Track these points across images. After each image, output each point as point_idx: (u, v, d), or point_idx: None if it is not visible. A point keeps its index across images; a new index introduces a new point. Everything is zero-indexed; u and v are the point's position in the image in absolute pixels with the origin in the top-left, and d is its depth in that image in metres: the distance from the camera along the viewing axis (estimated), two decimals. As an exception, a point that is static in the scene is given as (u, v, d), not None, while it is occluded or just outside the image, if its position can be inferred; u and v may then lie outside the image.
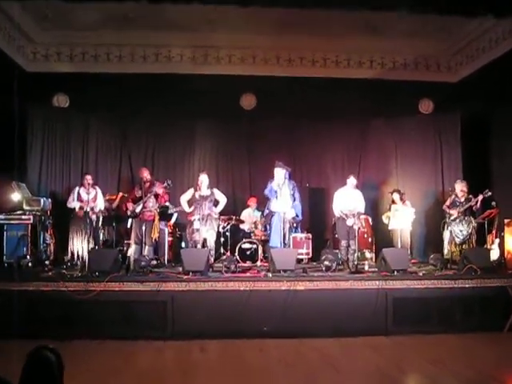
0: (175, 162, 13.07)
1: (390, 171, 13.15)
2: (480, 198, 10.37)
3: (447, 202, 10.84)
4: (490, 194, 10.32)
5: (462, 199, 10.61)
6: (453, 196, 10.78)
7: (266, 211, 10.44)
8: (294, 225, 10.61)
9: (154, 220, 10.03)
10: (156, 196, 10.15)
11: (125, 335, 7.83)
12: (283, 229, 9.91)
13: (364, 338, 7.97)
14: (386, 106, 12.59)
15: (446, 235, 10.73)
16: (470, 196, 10.54)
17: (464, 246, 10.39)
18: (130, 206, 10.05)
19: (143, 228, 9.84)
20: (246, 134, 13.13)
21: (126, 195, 10.95)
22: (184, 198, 10.41)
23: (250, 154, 13.22)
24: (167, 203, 10.77)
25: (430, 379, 6.40)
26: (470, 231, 10.48)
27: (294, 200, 10.27)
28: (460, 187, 10.72)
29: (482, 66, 11.77)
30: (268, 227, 10.71)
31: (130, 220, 10.46)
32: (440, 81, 12.76)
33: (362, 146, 13.32)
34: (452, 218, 10.55)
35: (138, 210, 9.97)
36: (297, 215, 10.33)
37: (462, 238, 10.45)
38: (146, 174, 10.28)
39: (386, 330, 8.27)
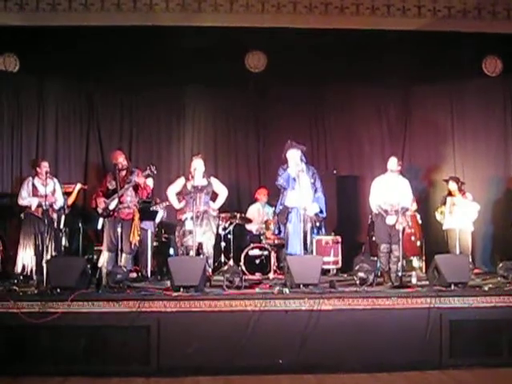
0: (160, 143, 13.14)
1: (444, 152, 13.14)
2: None
3: None
4: None
5: None
6: None
7: (280, 207, 10.28)
8: (317, 224, 10.53)
9: (133, 219, 10.04)
10: (135, 188, 10.15)
11: (95, 371, 7.81)
12: (303, 230, 9.85)
13: (410, 374, 7.90)
14: (439, 67, 12.57)
15: None
16: None
17: None
18: (102, 201, 10.04)
19: (119, 230, 9.84)
20: (253, 104, 13.16)
21: (85, 187, 10.97)
22: (172, 190, 10.41)
23: (260, 129, 13.27)
24: (150, 197, 10.79)
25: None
26: None
27: (316, 191, 10.16)
28: None
29: None
30: (282, 228, 10.63)
31: (100, 220, 10.48)
32: (510, 33, 12.68)
33: (406, 120, 13.35)
34: None
35: (111, 206, 9.96)
36: (321, 211, 10.19)
37: None
38: (121, 159, 10.25)
39: (440, 362, 8.20)
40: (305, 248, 9.75)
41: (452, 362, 8.18)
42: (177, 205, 10.37)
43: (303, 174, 9.92)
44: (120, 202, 9.88)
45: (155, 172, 10.28)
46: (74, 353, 7.95)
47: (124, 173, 10.16)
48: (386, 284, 9.61)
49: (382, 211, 10.05)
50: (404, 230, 10.06)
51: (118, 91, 12.98)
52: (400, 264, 9.75)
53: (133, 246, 10.10)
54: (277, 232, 11.15)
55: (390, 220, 9.91)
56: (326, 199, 10.15)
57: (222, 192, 10.47)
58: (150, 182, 10.63)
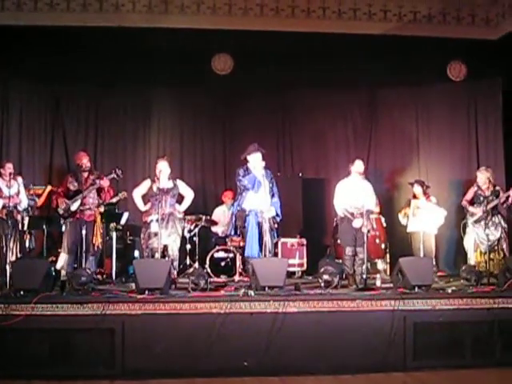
0: (125, 145, 13.11)
1: (409, 156, 13.26)
2: (511, 192, 10.50)
3: (467, 196, 10.93)
4: None
5: (488, 193, 10.71)
6: (475, 188, 10.87)
7: (238, 209, 10.27)
8: (275, 226, 10.46)
9: (95, 221, 9.99)
10: (98, 190, 10.10)
11: (59, 374, 7.75)
12: (261, 232, 9.84)
13: (375, 376, 7.95)
14: (405, 71, 12.66)
15: (470, 241, 10.81)
16: (498, 188, 10.63)
17: (492, 255, 10.48)
18: (63, 201, 9.96)
19: (83, 232, 9.78)
20: (219, 106, 13.16)
21: (55, 188, 10.91)
22: (138, 193, 10.36)
23: (226, 132, 13.30)
24: (114, 200, 10.78)
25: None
26: (499, 235, 10.58)
27: (273, 195, 10.19)
28: (484, 177, 10.81)
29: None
30: (239, 230, 10.59)
31: (62, 221, 10.39)
32: (475, 38, 12.78)
33: (372, 124, 13.44)
34: (475, 218, 10.65)
35: (74, 207, 9.89)
36: (277, 214, 10.23)
37: (488, 244, 10.48)
38: (85, 161, 10.22)
39: (404, 364, 8.26)
40: (264, 251, 9.74)
41: (416, 364, 8.24)
42: (142, 207, 10.32)
43: (263, 178, 9.96)
44: (82, 204, 9.85)
45: (121, 176, 10.25)
46: (39, 356, 7.88)
47: (86, 174, 10.13)
48: (351, 287, 9.65)
49: (348, 214, 10.09)
50: (369, 232, 10.14)
51: (84, 93, 12.91)
52: (365, 266, 9.82)
53: (96, 248, 10.07)
54: (232, 233, 11.09)
55: (357, 223, 9.95)
56: (281, 203, 10.19)
57: (188, 194, 10.45)
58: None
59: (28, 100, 12.68)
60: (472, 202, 10.82)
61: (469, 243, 10.85)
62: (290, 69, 12.51)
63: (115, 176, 10.08)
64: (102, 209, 10.52)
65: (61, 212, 9.98)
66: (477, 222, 10.63)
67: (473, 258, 10.79)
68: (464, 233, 10.93)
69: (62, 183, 10.45)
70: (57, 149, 12.74)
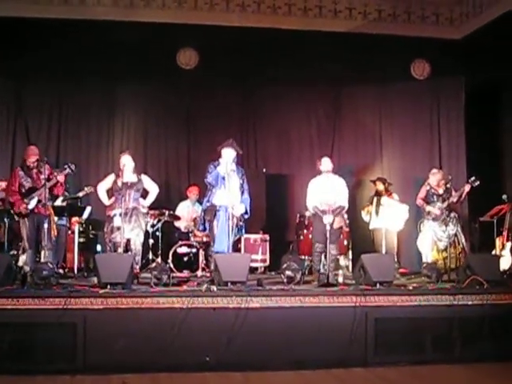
0: (89, 139, 13.05)
1: (372, 154, 13.35)
2: (466, 188, 10.61)
3: (420, 194, 11.01)
4: (478, 183, 10.55)
5: (441, 191, 10.81)
6: (427, 187, 10.97)
7: (207, 204, 10.22)
8: (241, 223, 10.47)
9: (50, 215, 9.84)
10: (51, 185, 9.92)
11: (19, 369, 7.66)
12: (229, 228, 9.83)
13: (335, 372, 7.96)
14: (369, 69, 12.73)
15: (425, 239, 10.90)
16: (449, 185, 10.73)
17: (449, 252, 10.58)
18: (22, 204, 9.72)
19: (45, 226, 9.67)
20: (184, 101, 13.15)
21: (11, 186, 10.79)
22: (102, 187, 10.29)
23: (190, 128, 13.29)
24: (80, 194, 10.74)
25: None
26: (454, 231, 10.68)
27: (243, 192, 10.18)
28: (436, 179, 10.93)
29: (493, 19, 11.87)
30: (207, 225, 10.57)
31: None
32: (439, 37, 12.89)
33: (336, 121, 13.54)
34: (432, 216, 10.74)
35: (31, 205, 9.70)
36: (246, 211, 10.22)
37: (446, 241, 10.60)
38: (32, 159, 9.86)
39: (365, 360, 8.31)
40: (231, 246, 9.75)
41: (377, 360, 8.29)
42: (106, 201, 10.28)
43: (233, 173, 9.93)
44: (39, 200, 9.70)
45: (74, 170, 10.10)
46: (-2, 350, 7.85)
47: (36, 170, 9.90)
48: (314, 282, 9.67)
49: (318, 212, 10.08)
50: (341, 228, 10.19)
51: (47, 86, 12.82)
52: (329, 263, 9.81)
53: (52, 242, 9.98)
54: (201, 228, 11.07)
55: (326, 219, 9.92)
56: (251, 200, 10.18)
57: (153, 189, 10.42)
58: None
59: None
60: (426, 201, 10.90)
61: (424, 242, 10.94)
62: (254, 65, 12.54)
63: (69, 171, 9.93)
64: (57, 202, 10.57)
65: (23, 213, 9.75)
66: (434, 220, 10.71)
67: (429, 257, 10.87)
68: (420, 230, 11.02)
69: (12, 178, 9.99)
70: (19, 142, 12.63)
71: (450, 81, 13.07)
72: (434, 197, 10.82)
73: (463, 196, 10.70)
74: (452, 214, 10.71)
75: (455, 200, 10.67)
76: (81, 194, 11.14)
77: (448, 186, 10.75)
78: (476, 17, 12.52)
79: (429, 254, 10.90)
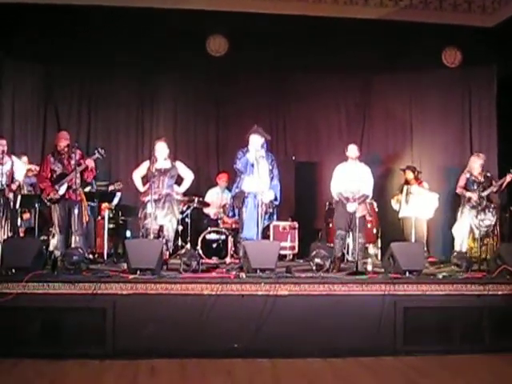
0: (118, 126, 13.11)
1: (402, 142, 13.26)
2: (508, 178, 10.49)
3: (460, 182, 10.87)
4: None
5: (481, 178, 10.69)
6: (467, 175, 10.84)
7: (236, 190, 10.18)
8: (271, 210, 10.43)
9: (81, 200, 9.89)
10: (82, 170, 9.97)
11: (49, 353, 7.72)
12: (258, 215, 9.80)
13: (364, 360, 7.95)
14: (399, 57, 12.65)
15: (463, 226, 10.79)
16: (489, 174, 10.63)
17: (486, 241, 10.49)
18: (52, 190, 9.79)
19: (75, 211, 9.73)
20: (213, 88, 13.13)
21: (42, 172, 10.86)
22: (137, 174, 10.27)
23: (220, 114, 13.27)
24: (109, 188, 10.83)
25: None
26: (493, 222, 10.57)
27: (273, 178, 10.13)
28: (478, 163, 10.79)
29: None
30: (238, 212, 10.55)
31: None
32: (471, 25, 12.78)
33: (366, 109, 13.45)
34: (472, 204, 10.61)
35: (61, 191, 9.78)
36: (275, 198, 10.17)
37: (483, 230, 10.49)
38: (63, 144, 9.92)
39: (393, 349, 8.27)
40: (261, 233, 9.73)
41: (405, 349, 8.23)
42: (141, 188, 10.27)
43: (263, 160, 9.88)
44: (69, 186, 9.75)
45: (104, 155, 10.17)
46: (29, 334, 7.85)
47: (67, 156, 9.97)
48: (335, 270, 9.60)
49: (342, 198, 10.05)
50: (365, 217, 10.13)
51: (77, 72, 12.86)
52: (358, 251, 9.77)
53: (84, 228, 10.02)
54: (231, 214, 11.11)
55: (350, 207, 9.91)
56: (281, 187, 10.13)
57: (188, 176, 10.38)
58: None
59: (20, 81, 12.60)
60: (465, 189, 10.78)
61: (461, 229, 10.83)
62: (284, 52, 12.50)
63: (99, 156, 9.99)
64: (87, 189, 10.59)
65: (54, 200, 9.83)
66: (474, 208, 10.59)
67: (465, 244, 10.77)
68: (458, 219, 10.92)
69: (43, 165, 10.18)
70: (50, 128, 12.69)
71: (481, 69, 12.94)
72: (475, 184, 10.68)
73: (503, 186, 10.58)
74: (492, 204, 10.59)
75: (495, 190, 10.56)
76: (110, 189, 11.21)
77: (488, 175, 10.65)
78: (508, 4, 12.40)
79: (464, 242, 10.78)
